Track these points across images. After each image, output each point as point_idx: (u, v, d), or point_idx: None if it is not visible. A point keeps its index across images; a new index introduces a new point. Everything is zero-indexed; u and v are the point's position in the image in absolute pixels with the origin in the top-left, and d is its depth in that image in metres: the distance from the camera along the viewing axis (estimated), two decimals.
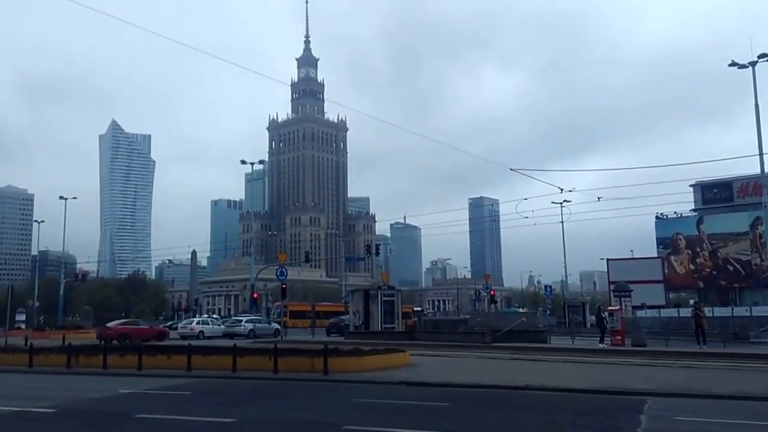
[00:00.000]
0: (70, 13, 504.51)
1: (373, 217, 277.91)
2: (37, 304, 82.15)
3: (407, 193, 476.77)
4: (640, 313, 42.69)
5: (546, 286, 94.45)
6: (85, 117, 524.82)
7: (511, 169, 51.32)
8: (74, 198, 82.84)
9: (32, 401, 15.78)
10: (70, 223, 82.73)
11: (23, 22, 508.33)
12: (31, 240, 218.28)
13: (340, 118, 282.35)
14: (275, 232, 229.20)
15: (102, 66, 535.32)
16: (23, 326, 69.15)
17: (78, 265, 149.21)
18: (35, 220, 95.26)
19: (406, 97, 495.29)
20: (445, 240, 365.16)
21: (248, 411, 14.52)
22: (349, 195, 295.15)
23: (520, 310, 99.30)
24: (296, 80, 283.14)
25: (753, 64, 35.84)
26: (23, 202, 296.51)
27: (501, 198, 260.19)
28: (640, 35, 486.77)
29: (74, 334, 52.88)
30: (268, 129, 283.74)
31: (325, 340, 33.27)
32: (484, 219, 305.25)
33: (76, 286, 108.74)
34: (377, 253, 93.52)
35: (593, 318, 46.49)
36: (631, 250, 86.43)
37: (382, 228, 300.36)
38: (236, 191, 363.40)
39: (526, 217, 68.51)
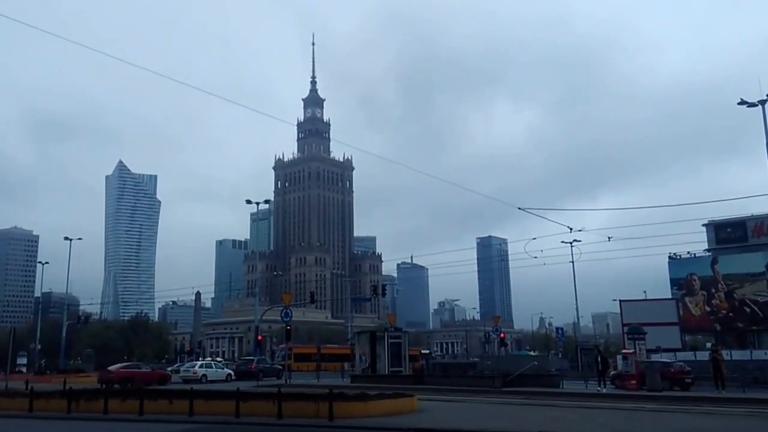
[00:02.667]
0: (78, 52, 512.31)
1: (380, 257, 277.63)
2: (39, 347, 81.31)
3: (415, 231, 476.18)
4: (655, 357, 41.77)
5: (557, 329, 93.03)
6: (91, 156, 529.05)
7: (520, 209, 50.63)
8: (79, 239, 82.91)
9: None
10: (75, 264, 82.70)
11: (30, 61, 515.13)
12: (34, 281, 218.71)
13: (346, 157, 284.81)
14: (280, 273, 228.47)
15: (109, 105, 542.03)
16: (24, 369, 68.46)
17: (81, 307, 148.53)
18: (39, 262, 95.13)
19: (417, 133, 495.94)
20: (452, 280, 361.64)
21: None
22: (355, 234, 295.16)
23: (532, 353, 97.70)
24: (302, 120, 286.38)
25: (762, 102, 34.61)
26: (28, 243, 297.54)
27: (510, 237, 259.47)
28: (656, 70, 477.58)
29: (75, 378, 52.07)
30: (274, 168, 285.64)
31: (331, 384, 32.58)
32: (492, 259, 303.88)
33: (78, 329, 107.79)
34: (384, 294, 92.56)
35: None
36: (645, 291, 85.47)
37: (388, 268, 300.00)
38: (241, 231, 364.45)
39: (535, 257, 67.77)
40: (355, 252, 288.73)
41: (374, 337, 46.30)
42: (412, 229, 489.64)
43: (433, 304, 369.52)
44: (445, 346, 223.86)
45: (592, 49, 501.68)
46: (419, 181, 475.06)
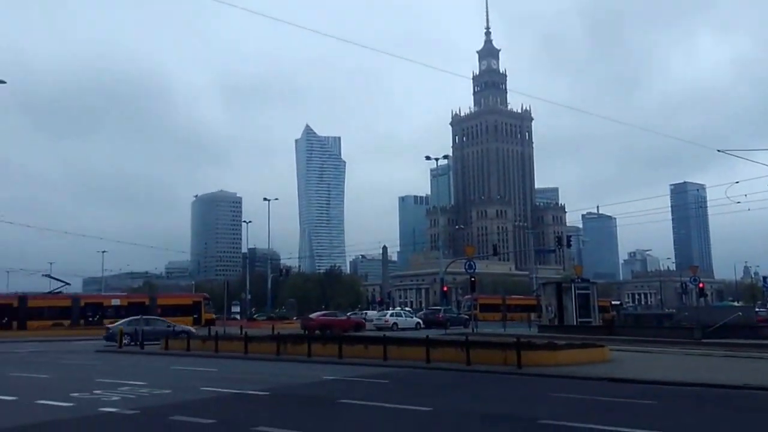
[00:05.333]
0: (262, 20, 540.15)
1: (563, 207, 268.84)
2: (248, 296, 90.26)
3: (601, 180, 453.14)
4: None
5: (765, 278, 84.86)
6: (282, 121, 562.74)
7: (719, 151, 45.88)
8: (276, 199, 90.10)
9: (249, 384, 17.29)
10: (274, 222, 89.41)
11: (225, 30, 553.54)
12: (240, 239, 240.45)
13: (524, 107, 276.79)
14: (462, 226, 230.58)
15: (295, 71, 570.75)
16: (238, 317, 76.37)
17: (281, 261, 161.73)
18: (244, 221, 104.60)
19: (604, 74, 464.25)
20: (643, 229, 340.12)
21: (443, 401, 14.60)
22: (536, 186, 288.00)
23: (735, 303, 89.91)
24: (478, 73, 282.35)
25: None
26: (233, 204, 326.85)
27: (708, 182, 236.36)
28: None
29: (281, 325, 57.60)
30: (450, 124, 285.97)
31: (518, 334, 32.59)
32: (689, 206, 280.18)
33: (280, 281, 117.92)
34: (569, 245, 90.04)
35: None
36: None
37: (573, 219, 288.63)
38: (422, 187, 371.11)
39: (738, 202, 61.35)
40: (537, 204, 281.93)
41: (560, 288, 45.42)
42: (597, 178, 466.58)
43: (622, 255, 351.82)
44: (636, 297, 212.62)
45: None
46: (606, 127, 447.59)
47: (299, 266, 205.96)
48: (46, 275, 78.20)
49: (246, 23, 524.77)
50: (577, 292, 43.45)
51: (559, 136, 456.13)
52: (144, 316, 39.26)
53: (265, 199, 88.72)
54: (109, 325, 39.30)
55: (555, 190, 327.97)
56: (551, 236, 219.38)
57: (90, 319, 54.97)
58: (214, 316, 60.65)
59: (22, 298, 59.62)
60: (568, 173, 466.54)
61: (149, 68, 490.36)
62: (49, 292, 63.20)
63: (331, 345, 25.66)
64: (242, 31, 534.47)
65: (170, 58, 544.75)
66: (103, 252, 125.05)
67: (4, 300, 59.73)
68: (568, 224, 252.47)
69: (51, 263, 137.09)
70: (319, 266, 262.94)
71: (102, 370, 22.36)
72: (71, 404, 13.99)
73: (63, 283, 70.38)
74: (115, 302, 62.25)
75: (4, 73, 47.07)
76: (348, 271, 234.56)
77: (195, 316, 60.38)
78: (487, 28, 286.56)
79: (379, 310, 76.96)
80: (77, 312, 57.47)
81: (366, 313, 71.02)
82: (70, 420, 12.36)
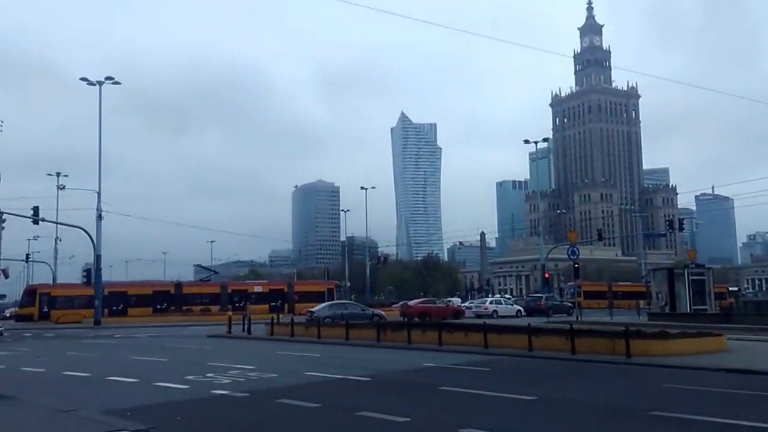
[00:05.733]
0: (354, 10, 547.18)
1: (674, 189, 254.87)
2: (348, 284, 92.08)
3: (716, 160, 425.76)
4: None
5: None
6: (376, 109, 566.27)
7: None
8: (373, 188, 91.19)
9: (351, 370, 17.60)
10: (371, 211, 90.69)
11: (316, 21, 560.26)
12: (339, 228, 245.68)
13: (630, 85, 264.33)
14: (563, 211, 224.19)
15: (388, 58, 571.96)
16: None
17: (380, 249, 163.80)
18: (342, 210, 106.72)
19: (719, 45, 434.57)
20: (764, 211, 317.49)
21: (548, 390, 14.23)
22: (644, 167, 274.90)
23: None
24: (579, 51, 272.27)
25: None
26: (331, 194, 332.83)
27: None
28: None
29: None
30: (550, 105, 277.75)
31: (626, 322, 31.33)
32: None
33: (378, 268, 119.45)
34: (681, 229, 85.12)
35: None
36: None
37: (685, 201, 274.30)
38: (520, 171, 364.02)
39: None
40: (646, 185, 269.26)
41: (672, 273, 43.12)
42: (712, 157, 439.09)
43: (740, 238, 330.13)
44: (757, 282, 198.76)
45: None
46: (721, 101, 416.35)
47: (396, 254, 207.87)
48: (197, 265, 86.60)
49: (336, 12, 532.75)
50: (690, 278, 41.12)
51: (669, 113, 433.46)
52: (342, 301, 42.92)
53: (362, 188, 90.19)
54: (312, 309, 42.49)
55: (665, 171, 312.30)
56: (661, 220, 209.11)
57: (237, 304, 58.78)
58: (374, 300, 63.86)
59: (178, 285, 66.16)
60: (679, 153, 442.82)
61: (247, 64, 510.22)
62: (200, 280, 70.22)
63: (431, 332, 25.65)
64: (333, 20, 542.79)
65: (266, 53, 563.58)
66: (212, 242, 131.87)
67: (164, 287, 65.83)
68: (679, 206, 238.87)
69: (165, 253, 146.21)
70: (416, 254, 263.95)
71: (214, 355, 23.51)
72: (186, 386, 14.76)
73: (212, 272, 77.70)
74: (258, 289, 67.06)
75: (118, 75, 50.34)
76: (445, 259, 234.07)
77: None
78: (589, 3, 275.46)
79: (478, 297, 76.28)
80: (225, 298, 61.91)
81: (451, 301, 70.71)
82: (186, 401, 13.03)
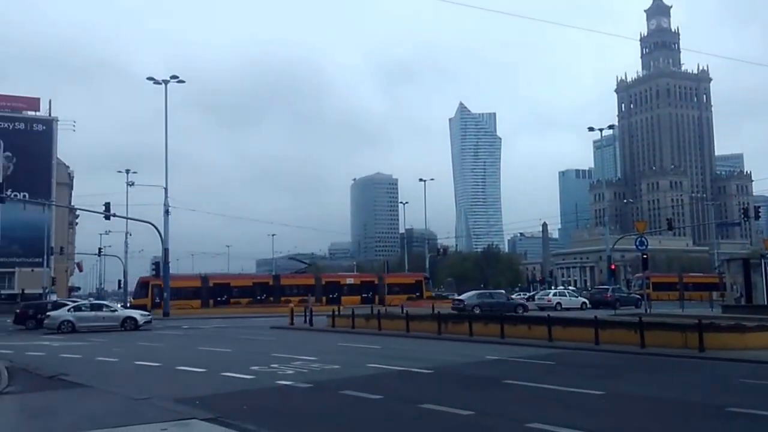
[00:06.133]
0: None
1: (749, 176, 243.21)
2: None
3: None
4: None
5: None
6: (434, 99, 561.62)
7: None
8: (431, 179, 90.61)
9: (413, 362, 17.54)
10: (430, 202, 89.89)
11: (373, 12, 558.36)
12: (398, 220, 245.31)
13: (701, 68, 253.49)
14: (630, 200, 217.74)
15: (446, 47, 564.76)
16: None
17: (438, 241, 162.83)
18: (401, 202, 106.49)
19: None
20: None
21: (616, 385, 13.83)
22: (716, 153, 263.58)
23: None
24: (645, 34, 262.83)
25: None
26: (389, 186, 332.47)
27: None
28: None
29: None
30: (615, 91, 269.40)
31: (699, 315, 30.12)
32: None
33: (438, 260, 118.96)
34: (756, 217, 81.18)
35: None
36: None
37: (761, 188, 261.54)
38: (584, 160, 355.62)
39: None
40: (718, 172, 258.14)
41: (748, 264, 41.18)
42: None
43: None
44: None
45: None
46: None
47: (456, 246, 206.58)
48: (292, 258, 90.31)
49: (395, 1, 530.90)
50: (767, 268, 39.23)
51: (744, 97, 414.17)
52: (489, 291, 44.46)
53: (420, 179, 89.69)
54: (461, 297, 45.35)
55: (739, 157, 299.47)
56: (735, 208, 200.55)
57: (331, 296, 61.11)
58: (433, 294, 64.87)
59: (276, 277, 69.62)
60: (754, 138, 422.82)
61: (307, 56, 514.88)
62: (296, 272, 73.37)
63: (493, 324, 25.30)
64: (392, 10, 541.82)
65: (326, 45, 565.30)
66: (273, 235, 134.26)
67: (263, 279, 69.86)
68: (755, 194, 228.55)
69: (228, 246, 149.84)
70: (476, 245, 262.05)
71: (277, 345, 23.92)
72: (252, 377, 15.06)
73: (306, 264, 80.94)
74: (350, 281, 69.29)
75: (181, 72, 51.75)
76: (506, 250, 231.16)
77: (417, 294, 65.97)
78: None
79: (542, 289, 74.93)
80: (320, 290, 63.50)
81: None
82: (252, 391, 13.29)
